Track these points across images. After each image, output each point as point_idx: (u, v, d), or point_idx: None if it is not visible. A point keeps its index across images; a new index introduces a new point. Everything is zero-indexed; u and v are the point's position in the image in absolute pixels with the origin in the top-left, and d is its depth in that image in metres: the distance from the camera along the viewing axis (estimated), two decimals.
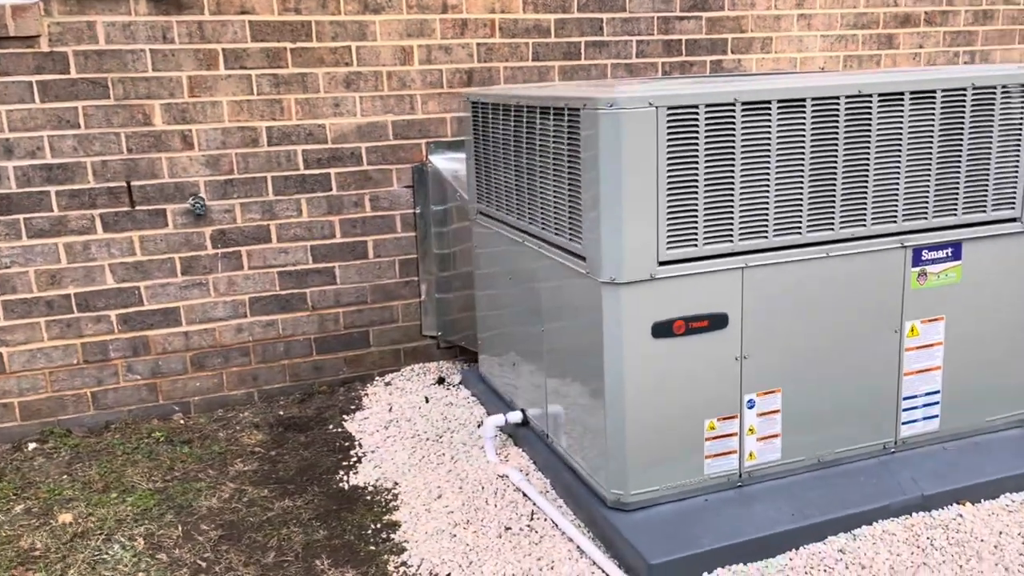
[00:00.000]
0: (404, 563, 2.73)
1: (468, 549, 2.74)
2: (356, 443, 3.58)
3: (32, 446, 3.63)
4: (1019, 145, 2.74)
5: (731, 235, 2.47)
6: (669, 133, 2.33)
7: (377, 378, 4.19)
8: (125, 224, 3.62)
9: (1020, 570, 2.40)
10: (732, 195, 2.44)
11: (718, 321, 2.50)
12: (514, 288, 3.16)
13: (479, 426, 3.54)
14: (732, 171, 2.42)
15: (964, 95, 2.63)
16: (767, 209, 2.49)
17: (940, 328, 2.81)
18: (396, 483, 3.22)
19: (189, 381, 3.86)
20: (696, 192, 2.40)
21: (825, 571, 2.40)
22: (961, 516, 2.62)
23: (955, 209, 2.72)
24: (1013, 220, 2.81)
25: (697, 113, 2.34)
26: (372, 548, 2.85)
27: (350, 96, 3.84)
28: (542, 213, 2.79)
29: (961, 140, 2.66)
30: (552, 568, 2.56)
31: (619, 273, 2.38)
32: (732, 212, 2.45)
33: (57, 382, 3.66)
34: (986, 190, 2.74)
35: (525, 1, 4.03)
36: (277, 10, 3.66)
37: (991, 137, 2.70)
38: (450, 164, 4.00)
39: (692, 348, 2.50)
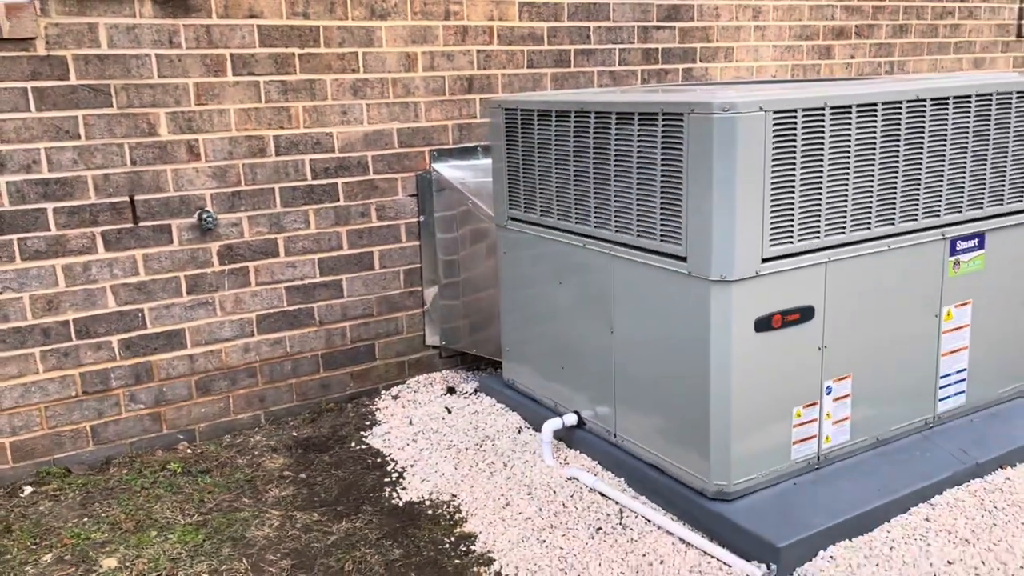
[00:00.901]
0: (499, 573, 2.70)
1: (564, 553, 2.74)
2: (388, 459, 3.48)
3: (29, 490, 3.29)
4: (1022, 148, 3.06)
5: (818, 231, 2.62)
6: (774, 135, 2.45)
7: (384, 392, 4.09)
8: (128, 242, 3.36)
9: None
10: (820, 193, 2.59)
11: (807, 313, 2.65)
12: (566, 292, 3.19)
13: (520, 432, 3.54)
14: (821, 170, 2.57)
15: (991, 99, 2.91)
16: (846, 206, 2.66)
17: (968, 311, 3.09)
18: (454, 495, 3.16)
19: (194, 407, 3.62)
20: (793, 191, 2.53)
21: (920, 539, 2.59)
22: (1009, 479, 2.90)
23: (982, 202, 3.01)
24: (1023, 212, 3.14)
25: (796, 116, 2.48)
26: (458, 562, 2.79)
27: (357, 103, 3.74)
28: (618, 217, 2.84)
29: (988, 139, 2.95)
30: (662, 563, 2.62)
31: (730, 271, 2.47)
32: (820, 209, 2.60)
33: (53, 417, 3.34)
34: (1004, 184, 3.05)
35: (520, 9, 4.07)
36: (285, 14, 3.51)
37: (1008, 136, 3.00)
38: (455, 172, 3.97)
39: (784, 340, 2.63)
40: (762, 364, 2.61)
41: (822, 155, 2.56)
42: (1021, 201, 3.12)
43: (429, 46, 3.86)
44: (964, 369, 3.14)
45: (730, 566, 2.53)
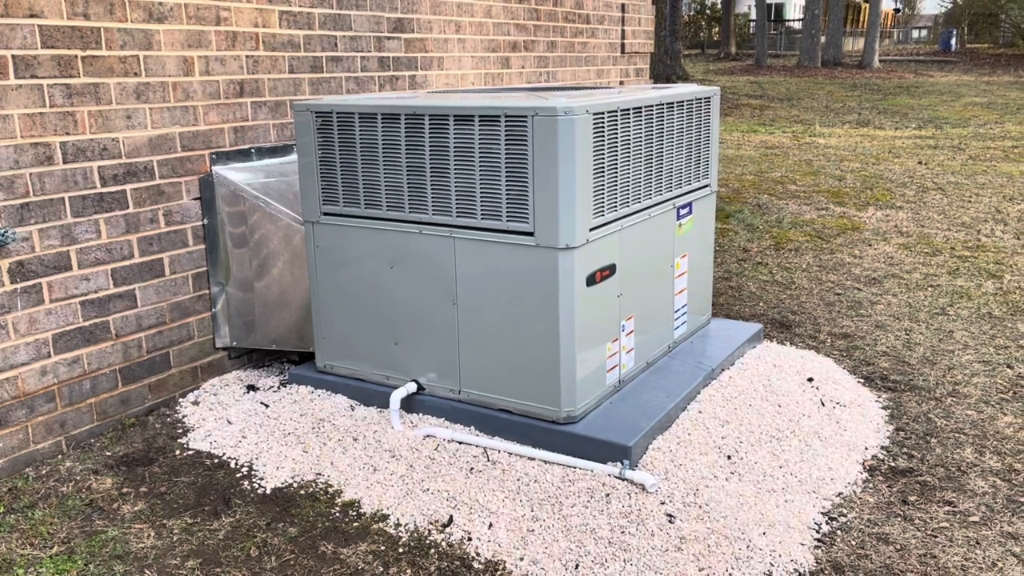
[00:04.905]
0: (399, 523, 3.07)
1: (449, 496, 3.20)
2: (226, 458, 3.55)
3: None
4: (708, 139, 4.21)
5: (615, 205, 3.42)
6: (593, 132, 3.17)
7: (181, 399, 4.03)
8: None
9: (768, 395, 3.86)
10: (616, 175, 3.39)
11: (613, 269, 3.44)
12: (399, 275, 3.59)
13: (353, 409, 3.83)
14: (616, 158, 3.37)
15: (692, 103, 3.98)
16: (628, 184, 3.50)
17: (687, 261, 4.16)
18: (318, 474, 3.40)
19: None
20: (603, 174, 3.29)
21: (702, 425, 3.54)
22: (731, 377, 4.02)
23: (689, 179, 4.08)
24: (707, 187, 4.30)
25: (603, 118, 3.23)
26: (356, 524, 3.10)
27: (141, 108, 3.66)
28: (459, 204, 3.34)
29: (690, 131, 4.02)
30: (536, 482, 3.22)
31: (572, 240, 3.15)
32: (616, 187, 3.40)
33: None
34: (694, 168, 4.16)
35: (281, 18, 4.28)
36: (66, 14, 3.34)
37: (703, 129, 4.11)
38: (236, 174, 4.07)
39: (601, 291, 3.39)
40: (590, 312, 3.34)
41: (616, 146, 3.36)
42: (705, 178, 4.28)
43: (204, 51, 3.90)
44: (685, 305, 4.22)
45: (592, 471, 3.22)
